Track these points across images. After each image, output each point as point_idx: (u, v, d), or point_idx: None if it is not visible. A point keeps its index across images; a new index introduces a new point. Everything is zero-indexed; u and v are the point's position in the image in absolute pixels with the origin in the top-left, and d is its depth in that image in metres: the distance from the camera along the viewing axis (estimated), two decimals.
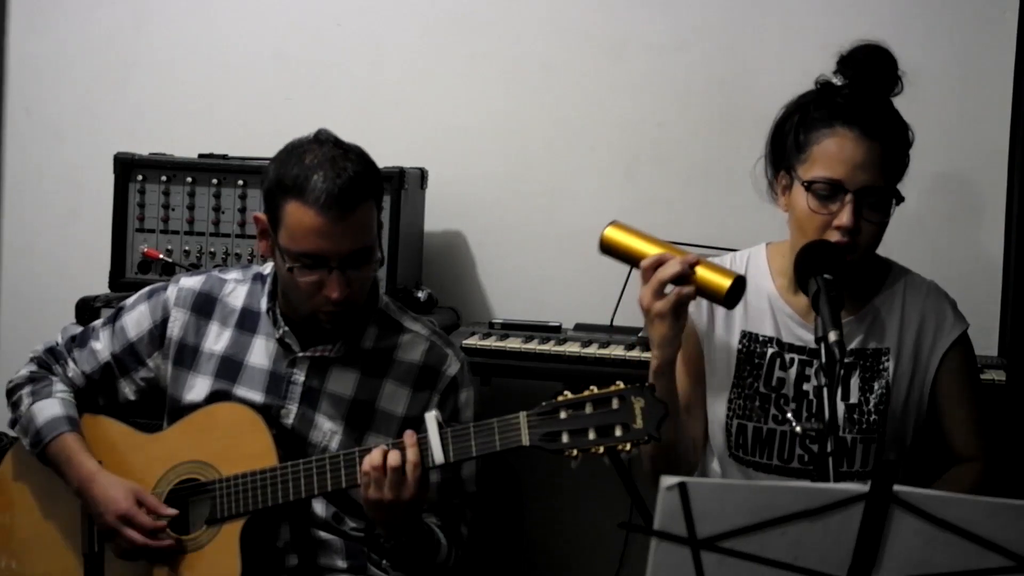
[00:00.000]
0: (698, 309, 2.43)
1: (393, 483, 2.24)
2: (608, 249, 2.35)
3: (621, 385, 2.18)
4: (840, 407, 2.37)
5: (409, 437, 2.27)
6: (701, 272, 2.24)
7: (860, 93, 2.33)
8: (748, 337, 2.43)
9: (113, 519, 2.41)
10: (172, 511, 2.42)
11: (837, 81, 2.38)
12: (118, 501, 2.41)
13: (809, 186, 2.30)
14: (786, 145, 2.38)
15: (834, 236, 2.28)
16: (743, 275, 2.27)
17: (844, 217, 2.27)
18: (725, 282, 2.23)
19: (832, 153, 2.29)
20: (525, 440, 2.21)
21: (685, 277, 2.23)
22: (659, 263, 2.24)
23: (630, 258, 2.32)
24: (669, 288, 2.24)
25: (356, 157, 2.38)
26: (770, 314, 2.43)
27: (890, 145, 2.30)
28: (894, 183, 2.33)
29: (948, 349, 2.41)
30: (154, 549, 2.40)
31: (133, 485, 2.44)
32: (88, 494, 2.45)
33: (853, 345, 2.39)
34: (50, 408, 2.52)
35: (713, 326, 2.44)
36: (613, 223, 2.35)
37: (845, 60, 2.37)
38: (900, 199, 2.34)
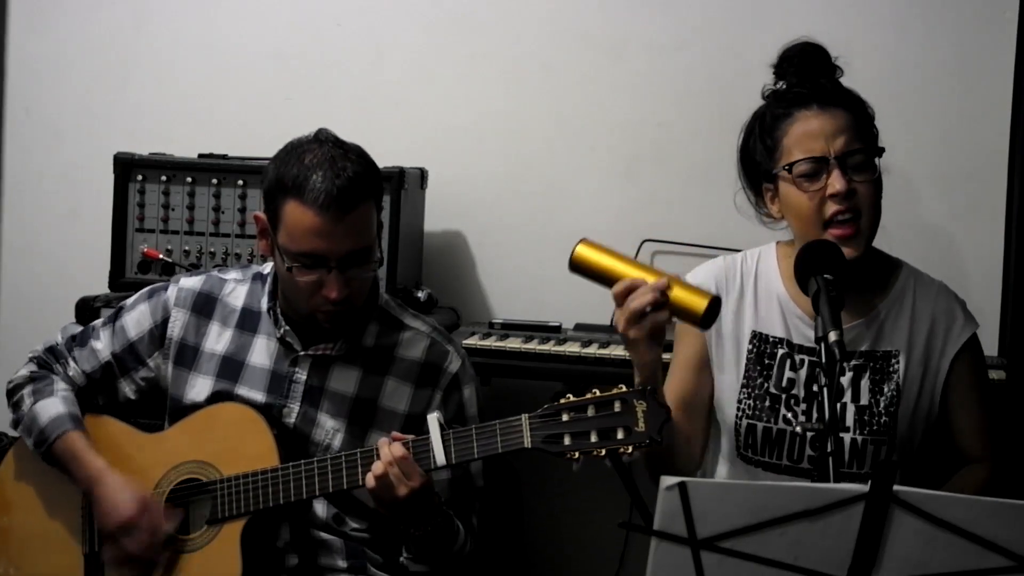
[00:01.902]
0: None
1: (405, 475, 2.24)
2: (578, 269, 2.29)
3: (623, 388, 2.18)
4: (850, 409, 2.37)
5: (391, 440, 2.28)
6: (675, 295, 2.18)
7: (805, 83, 2.37)
8: (758, 337, 2.43)
9: (115, 525, 2.40)
10: (172, 527, 2.41)
11: (781, 85, 2.41)
12: (124, 504, 2.40)
13: (791, 168, 2.31)
14: (756, 159, 2.40)
15: (832, 208, 2.29)
16: (718, 295, 2.24)
17: (836, 183, 2.28)
18: (700, 305, 2.18)
19: (801, 134, 2.32)
20: (527, 442, 2.21)
21: (659, 303, 2.18)
22: (630, 290, 2.19)
23: (602, 280, 2.26)
24: (647, 309, 2.20)
25: (356, 157, 2.38)
26: (780, 315, 2.43)
27: (852, 109, 2.34)
28: (871, 145, 2.35)
29: (959, 351, 2.41)
30: (147, 562, 2.40)
31: (141, 493, 2.43)
32: (95, 494, 2.45)
33: (863, 347, 2.39)
34: (53, 407, 2.51)
35: (722, 326, 2.43)
36: (583, 241, 2.29)
37: (780, 64, 2.41)
38: (880, 151, 2.36)
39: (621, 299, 2.20)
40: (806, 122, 2.32)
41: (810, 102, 2.33)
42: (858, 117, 2.34)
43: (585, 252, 2.28)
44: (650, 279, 2.20)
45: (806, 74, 2.37)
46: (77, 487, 2.49)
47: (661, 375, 2.28)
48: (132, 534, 2.39)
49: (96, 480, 2.44)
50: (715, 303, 2.20)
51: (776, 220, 2.42)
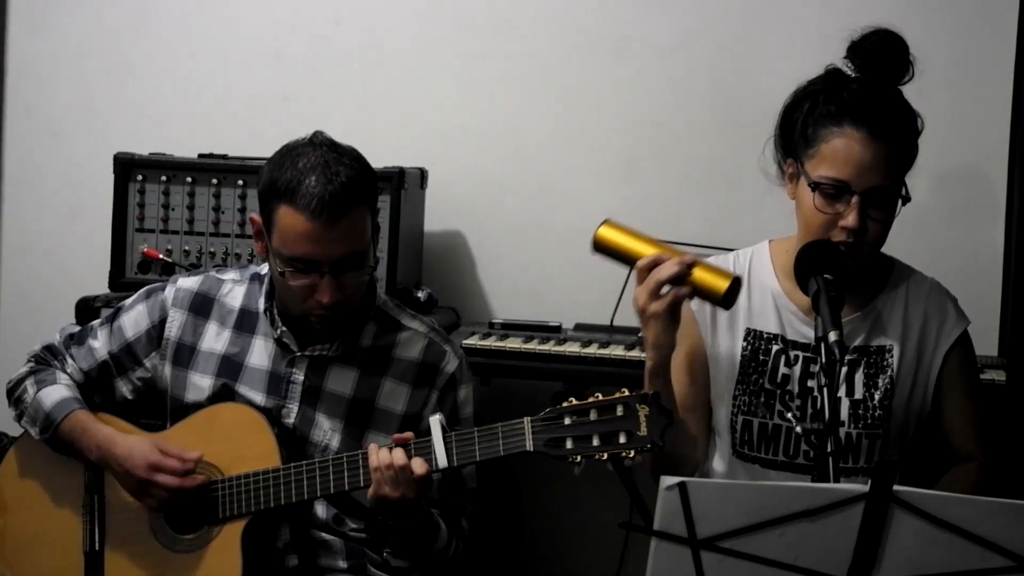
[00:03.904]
0: (701, 307, 2.44)
1: (397, 482, 2.25)
2: (602, 248, 2.33)
3: (626, 392, 2.19)
4: (844, 403, 2.37)
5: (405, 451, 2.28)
6: (698, 273, 2.23)
7: (870, 86, 2.32)
8: (752, 334, 2.43)
9: (143, 471, 2.41)
10: (198, 453, 2.42)
11: (847, 69, 2.36)
12: (144, 454, 2.41)
13: (816, 186, 2.29)
14: (795, 133, 2.37)
15: (839, 236, 2.28)
16: (740, 276, 2.27)
17: (851, 219, 2.26)
18: (723, 284, 2.23)
19: (840, 153, 2.28)
20: (529, 445, 2.21)
21: (682, 278, 2.22)
22: (656, 263, 2.23)
23: (625, 258, 2.30)
24: (665, 289, 2.23)
25: (350, 161, 2.37)
26: (774, 311, 2.43)
27: (898, 143, 2.29)
28: (901, 180, 2.32)
29: (951, 348, 2.41)
30: (188, 490, 2.40)
31: (153, 438, 2.45)
32: (111, 455, 2.45)
33: (856, 342, 2.40)
34: (57, 392, 2.52)
35: (716, 323, 2.44)
36: (607, 222, 2.34)
37: (855, 48, 2.35)
38: (907, 198, 2.33)
39: (645, 273, 2.23)
40: (849, 142, 2.27)
41: (862, 124, 2.26)
42: (900, 152, 2.29)
43: (608, 232, 2.32)
44: (675, 256, 2.24)
45: (871, 70, 2.32)
46: (89, 460, 2.49)
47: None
48: (161, 473, 2.40)
49: (109, 443, 2.46)
50: (737, 283, 2.23)
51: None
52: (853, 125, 2.27)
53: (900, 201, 2.33)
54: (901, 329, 2.41)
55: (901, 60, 2.34)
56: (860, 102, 2.29)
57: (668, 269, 2.22)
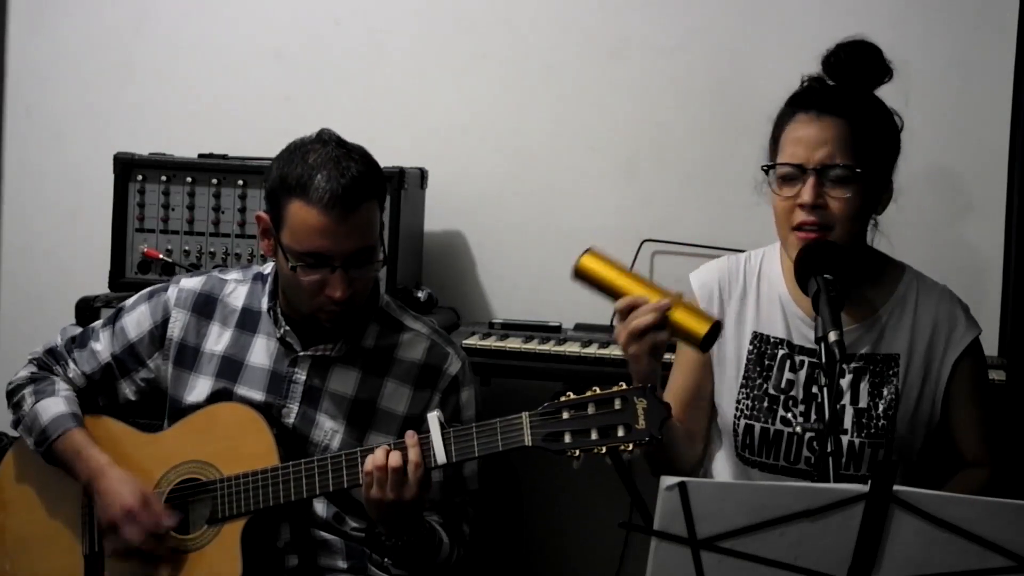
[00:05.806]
0: (708, 306, 2.43)
1: (394, 483, 2.24)
2: (582, 278, 2.29)
3: (624, 386, 2.18)
4: (848, 411, 2.37)
5: (410, 437, 2.27)
6: (676, 317, 2.19)
7: (827, 82, 2.34)
8: (759, 338, 2.43)
9: (118, 513, 2.40)
10: (172, 523, 2.41)
11: (819, 73, 2.39)
12: (124, 496, 2.40)
13: (769, 171, 2.32)
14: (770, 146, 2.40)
15: (799, 216, 2.28)
16: (720, 320, 2.23)
17: (805, 194, 2.27)
18: (701, 329, 2.18)
19: (792, 137, 2.31)
20: (527, 440, 2.21)
21: (660, 325, 2.18)
22: (633, 307, 2.20)
23: (605, 291, 2.27)
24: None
25: (359, 157, 2.38)
26: (781, 316, 2.43)
27: (856, 121, 2.29)
28: (865, 160, 2.29)
29: (960, 356, 2.40)
30: (147, 554, 2.40)
31: (143, 487, 2.43)
32: (97, 486, 2.44)
33: (864, 350, 2.39)
34: (55, 406, 2.52)
35: (723, 326, 2.43)
36: (589, 251, 2.29)
37: (827, 61, 2.38)
38: (880, 179, 2.32)
39: (623, 315, 2.21)
40: (798, 126, 2.31)
41: (810, 107, 2.31)
42: (857, 130, 2.29)
43: (590, 263, 2.28)
44: (653, 298, 2.20)
45: (840, 74, 2.35)
46: (78, 482, 2.49)
47: (660, 385, 2.27)
48: (132, 525, 2.39)
49: (99, 473, 2.45)
50: (716, 328, 2.20)
51: None
52: (803, 110, 2.32)
53: (880, 192, 2.33)
54: (909, 338, 2.40)
55: (874, 66, 2.36)
56: (811, 90, 2.34)
57: (645, 318, 2.17)
